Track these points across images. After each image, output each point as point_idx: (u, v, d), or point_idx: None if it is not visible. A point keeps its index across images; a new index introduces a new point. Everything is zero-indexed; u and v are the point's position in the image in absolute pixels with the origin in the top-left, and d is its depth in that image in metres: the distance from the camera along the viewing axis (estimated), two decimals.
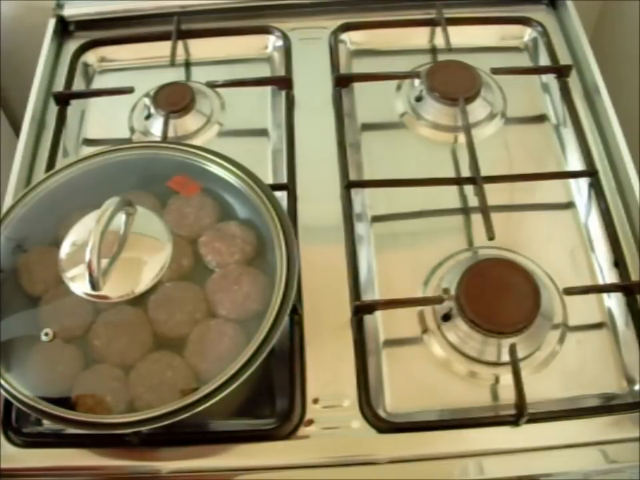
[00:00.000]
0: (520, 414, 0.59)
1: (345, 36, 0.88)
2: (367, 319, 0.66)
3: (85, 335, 0.59)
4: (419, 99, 0.81)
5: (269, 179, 0.76)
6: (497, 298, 0.64)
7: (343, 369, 0.64)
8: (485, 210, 0.69)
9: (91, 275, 0.55)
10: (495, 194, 0.71)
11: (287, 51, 0.87)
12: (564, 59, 0.85)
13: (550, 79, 0.84)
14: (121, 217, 0.59)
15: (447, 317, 0.65)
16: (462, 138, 0.77)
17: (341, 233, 0.71)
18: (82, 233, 0.60)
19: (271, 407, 0.63)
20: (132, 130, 0.81)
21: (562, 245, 0.71)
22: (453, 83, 0.79)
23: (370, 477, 0.60)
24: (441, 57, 0.86)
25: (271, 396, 0.63)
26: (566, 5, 0.89)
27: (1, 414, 0.63)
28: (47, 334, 0.59)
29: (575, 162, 0.77)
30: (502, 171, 0.74)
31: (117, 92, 0.83)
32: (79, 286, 0.58)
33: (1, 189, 0.77)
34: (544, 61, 0.86)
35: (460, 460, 0.60)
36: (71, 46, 0.90)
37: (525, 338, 0.63)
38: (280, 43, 0.88)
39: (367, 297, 0.68)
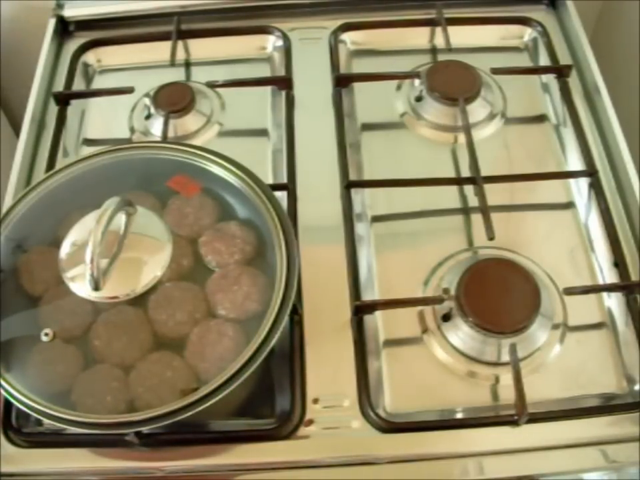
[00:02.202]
0: (520, 414, 0.59)
1: (345, 36, 0.88)
2: (367, 318, 0.66)
3: (85, 335, 0.59)
4: (419, 99, 0.81)
5: (269, 179, 0.76)
6: (497, 298, 0.64)
7: (343, 368, 0.64)
8: (485, 210, 0.69)
9: (91, 275, 0.55)
10: (495, 194, 0.71)
11: (287, 51, 0.87)
12: (564, 59, 0.85)
13: (550, 78, 0.84)
14: (121, 217, 0.59)
15: (446, 317, 0.65)
16: (462, 138, 0.77)
17: (341, 233, 0.71)
18: (82, 233, 0.60)
19: (271, 407, 0.63)
20: (132, 130, 0.81)
21: (562, 245, 0.71)
22: (453, 83, 0.79)
23: (370, 477, 0.60)
24: (441, 57, 0.86)
25: (271, 396, 0.63)
26: (566, 4, 0.89)
27: (1, 414, 0.63)
28: (46, 334, 0.59)
29: (575, 162, 0.77)
30: (502, 171, 0.75)
31: (117, 92, 0.83)
32: (79, 286, 0.58)
33: (0, 189, 0.77)
34: (544, 61, 0.86)
35: (460, 460, 0.60)
36: (71, 46, 0.90)
37: (524, 338, 0.63)
38: (280, 42, 0.88)
39: (367, 297, 0.68)
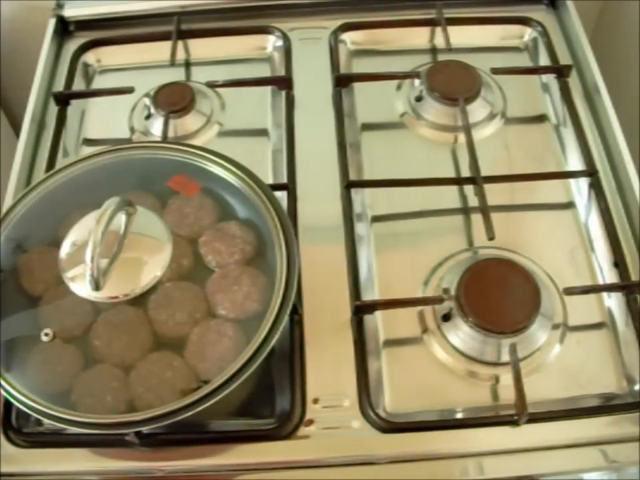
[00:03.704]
0: (520, 414, 0.59)
1: (345, 36, 0.88)
2: (367, 318, 0.66)
3: (85, 335, 0.59)
4: (419, 98, 0.81)
5: (269, 179, 0.76)
6: (497, 298, 0.64)
7: (343, 369, 0.64)
8: (485, 210, 0.69)
9: (91, 275, 0.55)
10: (495, 194, 0.71)
11: (287, 51, 0.87)
12: (564, 59, 0.85)
13: (550, 78, 0.84)
14: (121, 217, 0.59)
15: (446, 317, 0.65)
16: (462, 138, 0.77)
17: (341, 233, 0.71)
18: (82, 233, 0.60)
19: (271, 407, 0.63)
20: (132, 130, 0.81)
21: (562, 245, 0.71)
22: (453, 83, 0.79)
23: (370, 477, 0.60)
24: (441, 57, 0.86)
25: (271, 396, 0.63)
26: (566, 4, 0.88)
27: (1, 414, 0.63)
28: (47, 334, 0.59)
29: (575, 162, 0.77)
30: (502, 171, 0.75)
31: (117, 92, 0.83)
32: (79, 286, 0.58)
33: (0, 189, 0.77)
34: (544, 61, 0.86)
35: (460, 460, 0.60)
36: (71, 46, 0.90)
37: (524, 338, 0.63)
38: (280, 43, 0.88)
39: (367, 297, 0.68)
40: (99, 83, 0.89)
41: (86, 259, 0.55)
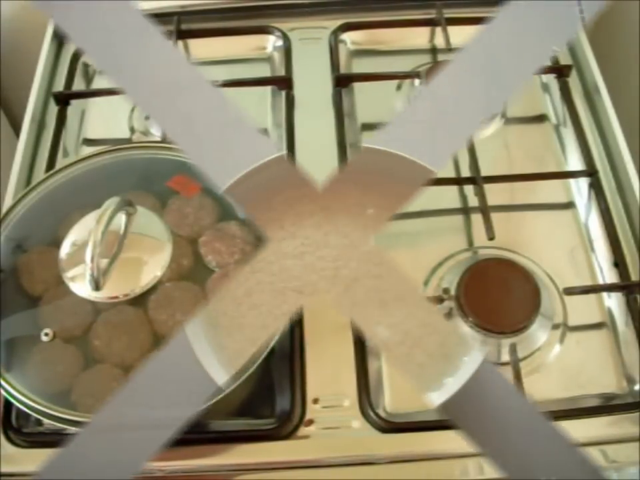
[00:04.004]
0: None
1: (345, 36, 0.88)
2: None
3: (85, 335, 0.59)
4: None
5: None
6: (497, 298, 0.64)
7: (342, 369, 0.64)
8: (485, 210, 0.69)
9: (91, 275, 0.55)
10: (495, 194, 0.71)
11: (287, 51, 0.87)
12: (564, 58, 0.85)
13: (550, 78, 0.84)
14: (121, 217, 0.59)
15: (446, 317, 0.65)
16: None
17: None
18: (82, 233, 0.60)
19: (271, 407, 0.63)
20: (132, 130, 0.81)
21: (562, 245, 0.71)
22: None
23: (370, 477, 0.60)
24: (441, 57, 0.86)
25: (271, 396, 0.63)
26: None
27: (1, 414, 0.63)
28: (47, 334, 0.59)
29: (575, 162, 0.77)
30: (502, 171, 0.74)
31: (117, 92, 0.83)
32: (79, 286, 0.58)
33: (0, 189, 0.77)
34: None
35: (460, 460, 0.60)
36: (71, 46, 0.90)
37: (524, 338, 0.63)
38: (280, 42, 0.88)
39: None
40: (99, 83, 0.89)
41: (86, 259, 0.55)
